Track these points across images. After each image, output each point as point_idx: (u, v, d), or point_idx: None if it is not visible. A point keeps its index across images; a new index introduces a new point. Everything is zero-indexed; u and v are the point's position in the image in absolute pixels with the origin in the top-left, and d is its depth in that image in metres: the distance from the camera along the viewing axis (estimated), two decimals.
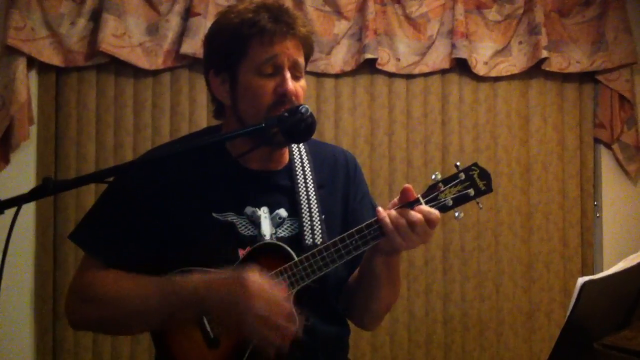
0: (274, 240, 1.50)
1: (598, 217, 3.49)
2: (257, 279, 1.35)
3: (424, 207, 1.40)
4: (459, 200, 1.43)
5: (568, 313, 1.26)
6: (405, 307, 3.25)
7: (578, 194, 3.46)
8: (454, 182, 1.43)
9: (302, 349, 1.39)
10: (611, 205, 3.49)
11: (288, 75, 1.47)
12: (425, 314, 3.29)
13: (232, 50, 1.49)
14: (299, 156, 1.61)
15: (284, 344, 1.34)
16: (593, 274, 3.41)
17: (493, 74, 3.36)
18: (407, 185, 1.45)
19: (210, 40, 1.56)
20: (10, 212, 1.17)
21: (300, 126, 1.38)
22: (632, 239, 3.44)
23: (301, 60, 1.51)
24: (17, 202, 1.18)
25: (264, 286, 1.34)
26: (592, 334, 1.34)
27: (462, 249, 3.33)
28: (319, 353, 1.50)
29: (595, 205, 3.49)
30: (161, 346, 1.50)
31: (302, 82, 1.52)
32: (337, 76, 3.26)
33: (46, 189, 1.20)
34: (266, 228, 1.51)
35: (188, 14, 3.04)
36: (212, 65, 1.55)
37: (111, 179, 1.31)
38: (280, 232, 1.53)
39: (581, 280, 1.23)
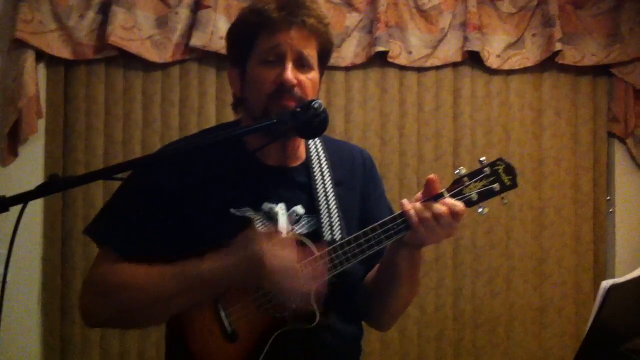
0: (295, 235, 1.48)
1: (611, 212, 3.45)
2: (269, 251, 1.35)
3: (449, 200, 1.40)
4: (484, 195, 1.43)
5: (592, 317, 1.23)
6: (416, 302, 3.22)
7: (591, 188, 3.42)
8: (479, 177, 1.43)
9: (320, 348, 1.38)
10: (624, 200, 3.45)
11: (289, 65, 1.45)
12: (436, 309, 3.26)
13: (242, 41, 1.51)
14: (315, 153, 1.59)
15: (309, 295, 1.37)
16: (605, 269, 3.41)
17: (506, 67, 3.32)
18: (431, 175, 1.44)
19: (228, 34, 1.58)
20: (16, 208, 1.15)
21: (313, 122, 1.37)
22: None
23: (309, 51, 1.48)
24: (23, 199, 1.16)
25: (280, 257, 1.35)
26: (617, 338, 1.31)
27: (474, 245, 3.30)
28: (334, 352, 1.48)
29: (608, 200, 3.44)
30: (177, 340, 1.47)
31: (312, 74, 1.49)
32: (347, 69, 3.22)
33: (52, 186, 1.18)
34: (283, 225, 1.49)
35: (197, 6, 3.02)
36: (230, 58, 1.58)
37: (119, 175, 1.28)
38: (297, 229, 1.50)
39: (606, 283, 1.20)
